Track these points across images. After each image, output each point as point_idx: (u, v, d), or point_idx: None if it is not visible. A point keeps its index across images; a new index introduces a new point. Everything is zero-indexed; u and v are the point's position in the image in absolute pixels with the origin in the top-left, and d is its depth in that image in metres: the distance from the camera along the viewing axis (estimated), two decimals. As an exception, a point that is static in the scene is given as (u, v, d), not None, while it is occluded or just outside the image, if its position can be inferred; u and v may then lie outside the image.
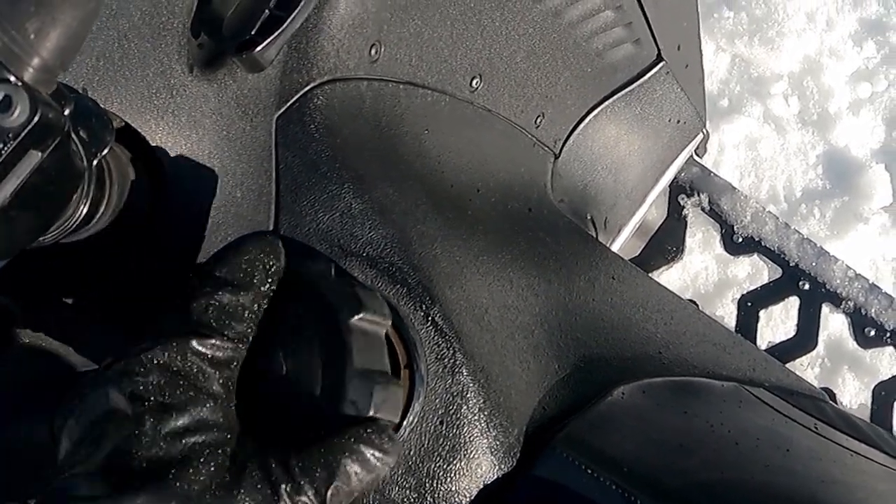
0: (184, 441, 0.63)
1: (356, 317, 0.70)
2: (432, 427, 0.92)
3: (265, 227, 0.92)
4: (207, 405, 0.66)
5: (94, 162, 0.67)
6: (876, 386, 2.17)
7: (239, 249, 0.72)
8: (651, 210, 2.11)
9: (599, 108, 1.61)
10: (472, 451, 0.92)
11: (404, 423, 0.80)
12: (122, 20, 0.74)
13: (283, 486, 0.63)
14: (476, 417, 0.93)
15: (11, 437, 0.84)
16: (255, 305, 0.71)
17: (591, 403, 1.06)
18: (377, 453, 0.66)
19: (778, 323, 2.35)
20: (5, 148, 0.53)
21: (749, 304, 2.25)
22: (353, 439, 0.66)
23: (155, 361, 0.65)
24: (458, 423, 0.92)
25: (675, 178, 2.18)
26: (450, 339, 0.94)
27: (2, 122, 0.52)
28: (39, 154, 0.56)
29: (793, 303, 2.22)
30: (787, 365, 1.47)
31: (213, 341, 0.67)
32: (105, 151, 0.68)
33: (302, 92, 0.96)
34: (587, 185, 1.69)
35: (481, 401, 0.94)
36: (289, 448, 0.65)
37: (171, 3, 0.77)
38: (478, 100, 1.24)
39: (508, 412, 0.97)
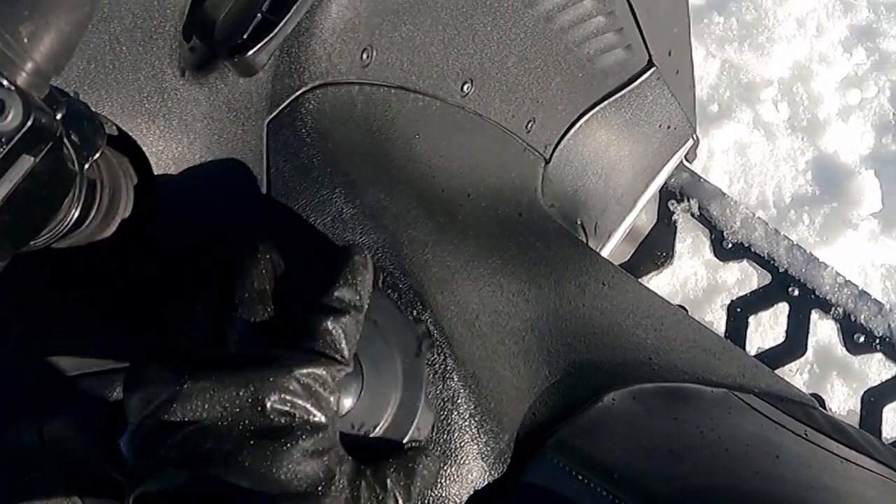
0: (324, 459, 0.69)
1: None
2: (423, 432, 0.92)
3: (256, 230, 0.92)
4: (331, 426, 0.71)
5: (86, 166, 0.67)
6: (865, 392, 2.17)
7: (355, 269, 0.77)
8: (641, 215, 2.11)
9: (590, 114, 1.61)
10: (462, 457, 0.92)
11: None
12: (114, 23, 0.74)
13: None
14: (467, 423, 0.93)
15: (11, 438, 0.84)
16: (359, 325, 0.76)
17: (582, 409, 1.06)
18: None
19: (767, 329, 2.35)
20: (-2, 152, 0.53)
21: (738, 309, 2.25)
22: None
23: (300, 381, 0.69)
24: (448, 428, 0.92)
25: (665, 183, 2.18)
26: (440, 344, 0.94)
27: (-6, 126, 0.52)
28: (32, 158, 0.55)
29: (782, 309, 2.22)
30: (777, 371, 1.48)
31: (332, 366, 0.72)
32: (97, 155, 0.68)
33: (293, 96, 0.95)
34: (577, 190, 1.69)
35: (472, 406, 0.94)
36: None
37: (163, 6, 0.77)
38: (469, 104, 1.24)
39: (499, 418, 0.97)
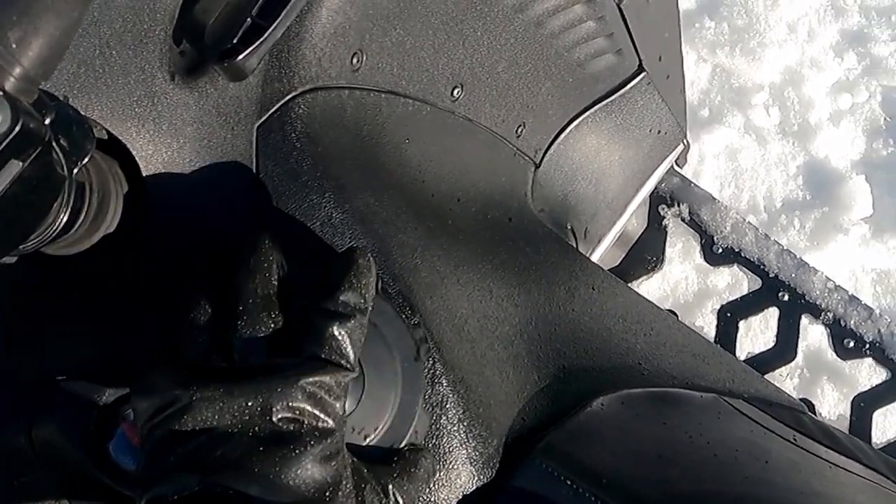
0: (332, 464, 0.69)
1: None
2: (411, 437, 0.92)
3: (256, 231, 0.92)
4: (339, 431, 0.72)
5: (75, 170, 0.67)
6: (855, 397, 2.17)
7: (359, 273, 0.76)
8: (631, 220, 2.12)
9: (580, 119, 1.61)
10: (451, 462, 0.92)
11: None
12: (104, 27, 0.74)
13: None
14: (455, 428, 0.93)
15: (5, 440, 0.84)
16: (364, 329, 0.76)
17: (571, 414, 1.06)
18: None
19: (757, 334, 2.35)
20: (-14, 157, 0.53)
21: (728, 314, 2.25)
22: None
23: (307, 390, 0.70)
24: (437, 433, 0.92)
25: (655, 188, 2.18)
26: (429, 349, 0.94)
27: (-17, 131, 0.52)
28: (20, 163, 0.55)
29: (772, 313, 2.22)
30: (767, 376, 1.47)
31: (339, 373, 0.72)
32: (86, 160, 0.68)
33: (283, 101, 0.95)
34: (568, 195, 1.69)
35: (461, 411, 0.94)
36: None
37: (153, 10, 0.76)
38: (459, 109, 1.24)
39: (488, 423, 0.97)
